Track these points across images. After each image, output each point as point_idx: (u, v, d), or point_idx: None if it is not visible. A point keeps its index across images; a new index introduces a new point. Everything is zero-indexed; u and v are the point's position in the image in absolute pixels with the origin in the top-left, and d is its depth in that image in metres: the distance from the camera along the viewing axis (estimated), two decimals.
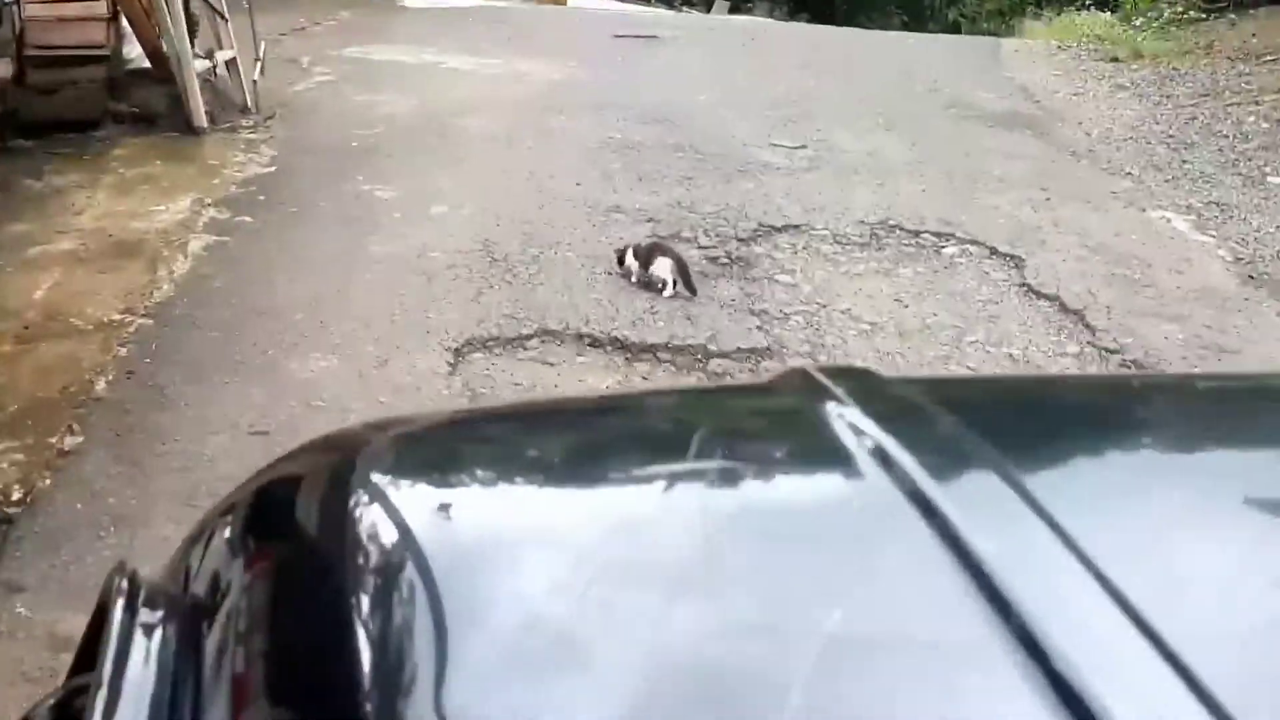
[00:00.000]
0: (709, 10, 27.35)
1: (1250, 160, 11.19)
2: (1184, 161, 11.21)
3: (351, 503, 1.60)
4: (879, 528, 1.49)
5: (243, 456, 5.99)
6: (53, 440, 6.27)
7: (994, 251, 8.90)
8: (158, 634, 1.51)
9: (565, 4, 23.32)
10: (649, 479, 1.81)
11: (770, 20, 21.57)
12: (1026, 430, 1.96)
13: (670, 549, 1.49)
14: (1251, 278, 8.79)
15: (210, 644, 1.52)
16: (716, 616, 1.36)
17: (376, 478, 1.71)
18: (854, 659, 1.26)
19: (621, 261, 8.09)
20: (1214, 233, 9.56)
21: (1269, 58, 13.92)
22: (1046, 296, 8.25)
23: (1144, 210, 9.95)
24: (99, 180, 9.51)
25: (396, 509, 1.61)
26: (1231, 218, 9.84)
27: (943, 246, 9.01)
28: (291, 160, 10.05)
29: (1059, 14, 19.62)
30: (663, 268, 7.94)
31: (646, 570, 1.45)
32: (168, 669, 1.44)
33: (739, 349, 7.38)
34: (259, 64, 11.34)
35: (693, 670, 1.25)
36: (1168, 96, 13.33)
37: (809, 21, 28.58)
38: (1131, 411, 2.24)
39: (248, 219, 8.89)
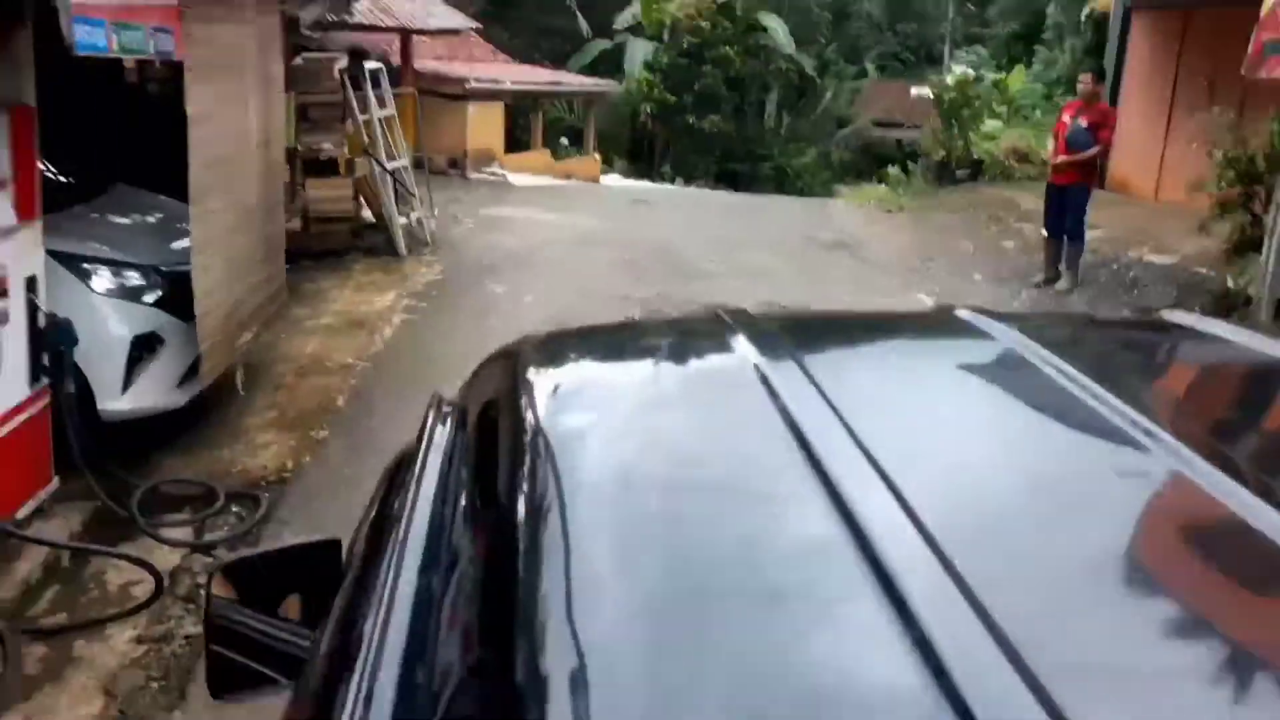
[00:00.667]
0: (673, 183, 26.96)
1: (964, 267, 10.72)
2: (928, 268, 10.72)
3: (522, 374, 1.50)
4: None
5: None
6: (313, 433, 5.82)
7: None
8: (447, 426, 1.51)
9: (599, 181, 22.88)
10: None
11: (705, 190, 21.00)
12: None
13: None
14: None
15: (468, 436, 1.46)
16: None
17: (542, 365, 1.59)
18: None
19: None
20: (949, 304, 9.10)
21: (969, 211, 13.45)
22: None
23: (909, 294, 9.48)
24: (345, 284, 9.03)
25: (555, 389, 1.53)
26: (955, 297, 9.34)
27: None
28: (451, 273, 9.56)
29: (859, 188, 18.97)
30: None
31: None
32: (450, 447, 1.42)
33: None
34: (433, 219, 10.87)
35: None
36: (917, 233, 12.85)
37: (728, 188, 28.47)
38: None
39: (425, 305, 8.41)
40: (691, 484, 1.10)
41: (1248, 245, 8.17)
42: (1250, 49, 7.24)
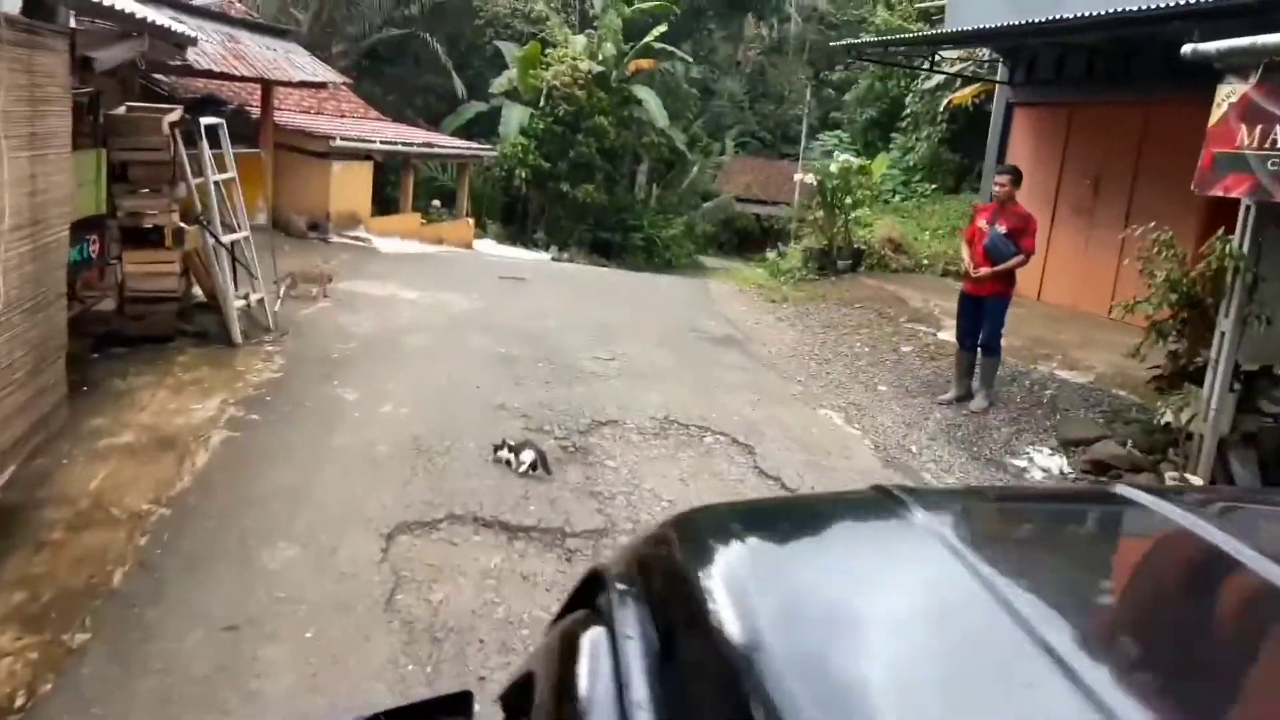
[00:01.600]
0: (546, 249, 25.44)
1: (865, 373, 9.45)
2: (827, 373, 9.40)
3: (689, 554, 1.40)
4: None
5: (213, 654, 3.86)
6: (67, 636, 3.94)
7: (735, 441, 6.98)
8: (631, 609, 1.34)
9: (471, 246, 21.13)
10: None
11: (579, 267, 19.32)
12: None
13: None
14: (887, 462, 7.00)
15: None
16: None
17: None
18: None
19: (497, 450, 6.04)
20: (858, 426, 7.75)
21: (857, 305, 12.31)
22: (773, 478, 6.35)
23: (815, 409, 8.11)
24: (163, 381, 7.08)
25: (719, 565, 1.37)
26: (864, 415, 8.05)
27: (703, 437, 7.05)
28: (292, 368, 7.68)
29: (734, 270, 17.69)
30: (526, 457, 5.92)
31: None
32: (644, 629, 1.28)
33: (586, 530, 5.30)
34: (279, 299, 8.99)
35: None
36: (807, 326, 11.57)
37: (600, 258, 27.17)
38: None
39: (255, 417, 6.51)
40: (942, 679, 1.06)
41: (1182, 375, 7.12)
42: (1200, 162, 6.19)
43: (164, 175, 7.72)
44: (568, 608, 1.53)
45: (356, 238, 15.60)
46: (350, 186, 16.19)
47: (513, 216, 28.68)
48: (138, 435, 6.04)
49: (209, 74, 12.94)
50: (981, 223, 8.17)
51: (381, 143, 16.81)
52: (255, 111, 15.52)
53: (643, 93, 27.58)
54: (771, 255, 16.81)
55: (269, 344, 8.25)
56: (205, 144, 7.79)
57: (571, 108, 25.87)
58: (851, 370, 9.51)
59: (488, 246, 22.57)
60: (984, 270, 7.98)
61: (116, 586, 4.32)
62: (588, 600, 1.47)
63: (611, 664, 1.18)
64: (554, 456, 6.25)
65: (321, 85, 16.20)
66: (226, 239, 8.05)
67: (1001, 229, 7.93)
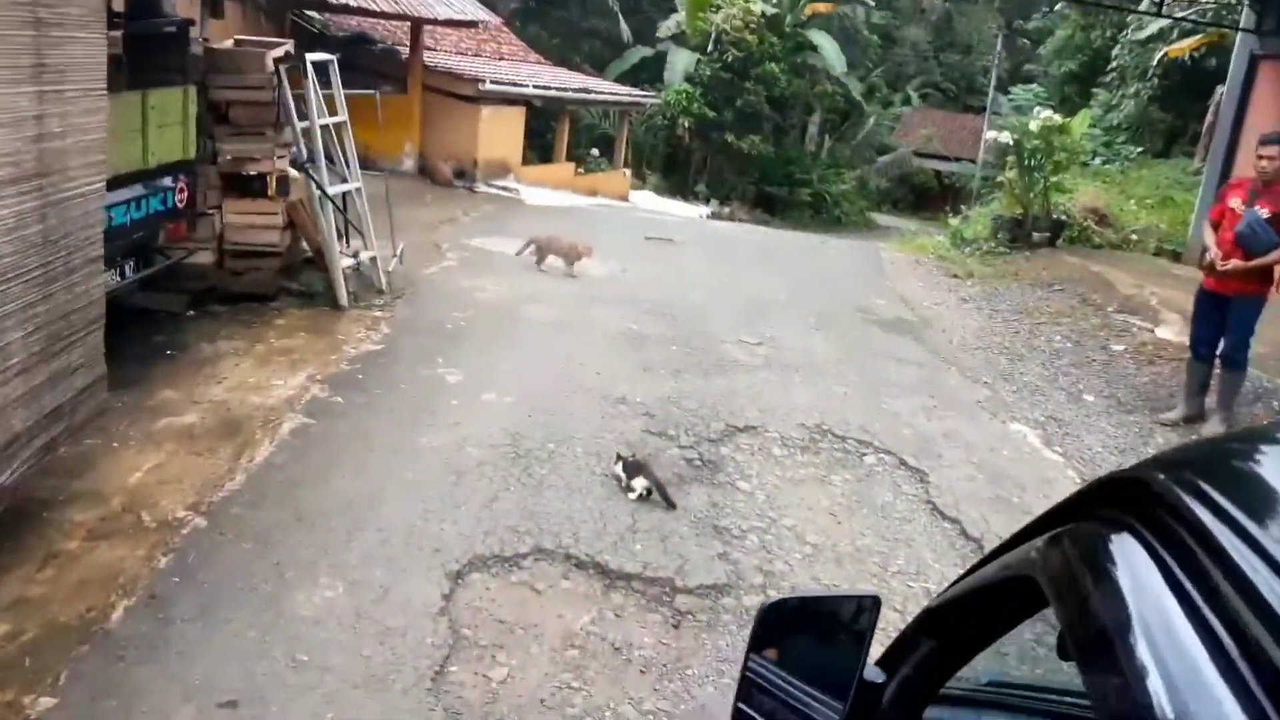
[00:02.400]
0: (707, 203, 24.21)
1: (1066, 376, 7.88)
2: (1020, 374, 7.87)
3: None
4: None
5: None
6: (28, 700, 3.12)
7: (903, 463, 5.68)
8: None
9: (628, 199, 20.11)
10: None
11: (737, 225, 17.91)
12: None
13: None
14: None
15: None
16: None
17: None
18: None
19: (616, 463, 4.95)
20: (1059, 449, 6.26)
21: (1055, 287, 10.59)
22: (950, 519, 5.04)
23: (1005, 423, 6.67)
24: (252, 348, 6.36)
25: None
26: (1068, 434, 6.55)
27: (864, 454, 5.79)
28: (396, 340, 6.83)
29: (910, 238, 15.93)
30: (639, 484, 4.82)
31: None
32: None
33: (702, 585, 4.17)
34: (394, 258, 8.15)
35: None
36: (996, 310, 9.98)
37: (764, 214, 25.71)
38: None
39: (339, 400, 5.65)
40: None
41: None
42: None
43: (267, 117, 6.95)
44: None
45: (504, 188, 14.80)
46: (500, 133, 15.38)
47: (674, 167, 27.57)
48: (204, 416, 5.28)
49: (352, 9, 12.24)
50: (1234, 203, 6.48)
51: (535, 87, 15.90)
52: (406, 51, 14.85)
53: (818, 38, 25.80)
54: (955, 221, 15.01)
55: (378, 308, 7.43)
56: (313, 83, 6.95)
57: (740, 53, 24.39)
58: (1050, 372, 7.95)
59: (645, 199, 21.51)
60: (1233, 263, 6.31)
61: (112, 627, 3.48)
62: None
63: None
64: (675, 472, 5.16)
65: (471, 24, 15.40)
66: (334, 190, 7.23)
67: (1263, 212, 6.23)
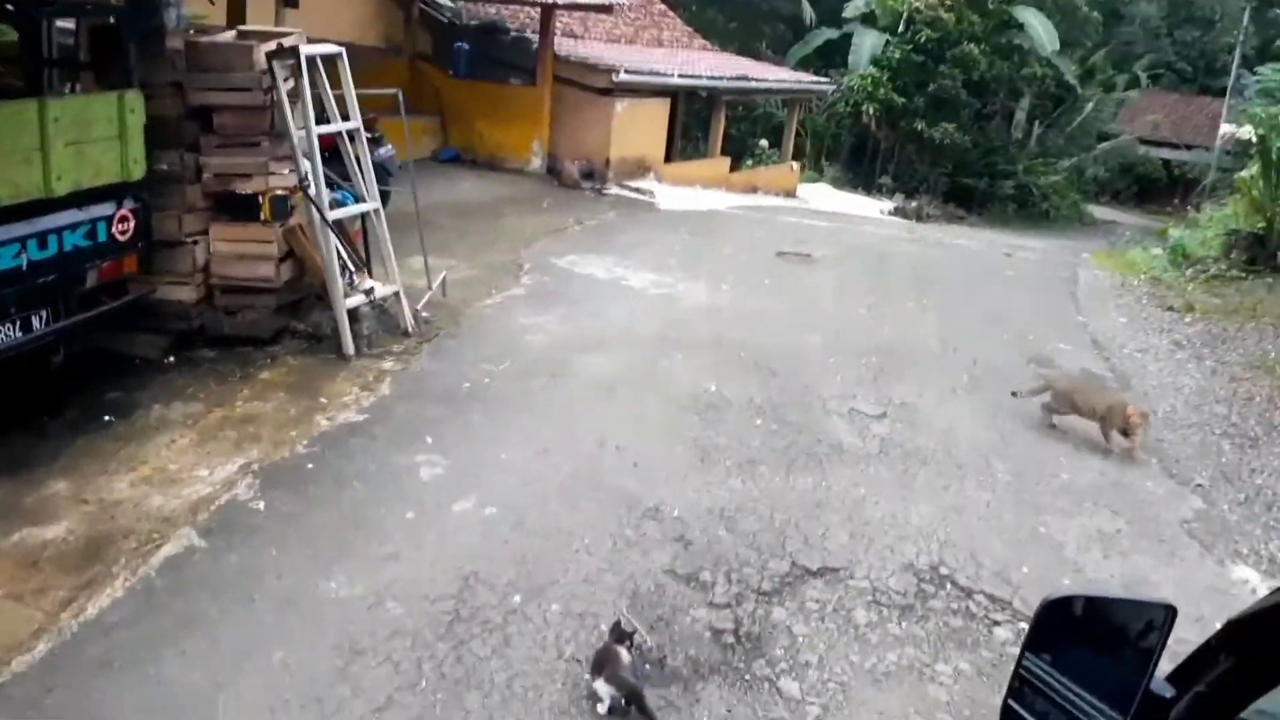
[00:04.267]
0: (892, 196, 21.80)
1: None
2: (1252, 472, 5.57)
3: None
4: None
5: None
6: None
7: None
8: None
9: (795, 194, 18.10)
10: None
11: (908, 230, 15.33)
12: None
13: None
14: None
15: None
16: None
17: None
18: None
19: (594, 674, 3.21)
20: None
21: None
22: None
23: (1222, 563, 4.52)
24: (206, 416, 5.06)
25: None
26: None
27: (995, 623, 3.86)
28: (392, 407, 5.33)
29: (1118, 252, 13.08)
30: (604, 690, 3.11)
31: None
32: None
33: None
34: (428, 295, 6.73)
35: None
36: (1223, 363, 7.53)
37: (957, 209, 22.96)
38: None
39: (260, 506, 4.20)
40: None
41: None
42: None
43: (259, 124, 5.65)
44: None
45: (639, 189, 13.20)
46: (638, 128, 13.78)
47: (858, 159, 25.17)
48: (76, 527, 3.97)
49: None
50: None
51: (681, 76, 14.18)
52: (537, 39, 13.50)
53: (1026, 15, 22.75)
54: (1176, 231, 12.22)
55: (393, 357, 6.00)
56: (308, 82, 5.57)
57: (935, 34, 21.81)
58: None
59: (819, 193, 19.43)
60: None
61: None
62: None
63: None
64: (690, 653, 3.45)
65: (604, 8, 13.86)
66: (337, 214, 5.84)
67: None
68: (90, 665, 3.18)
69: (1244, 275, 9.70)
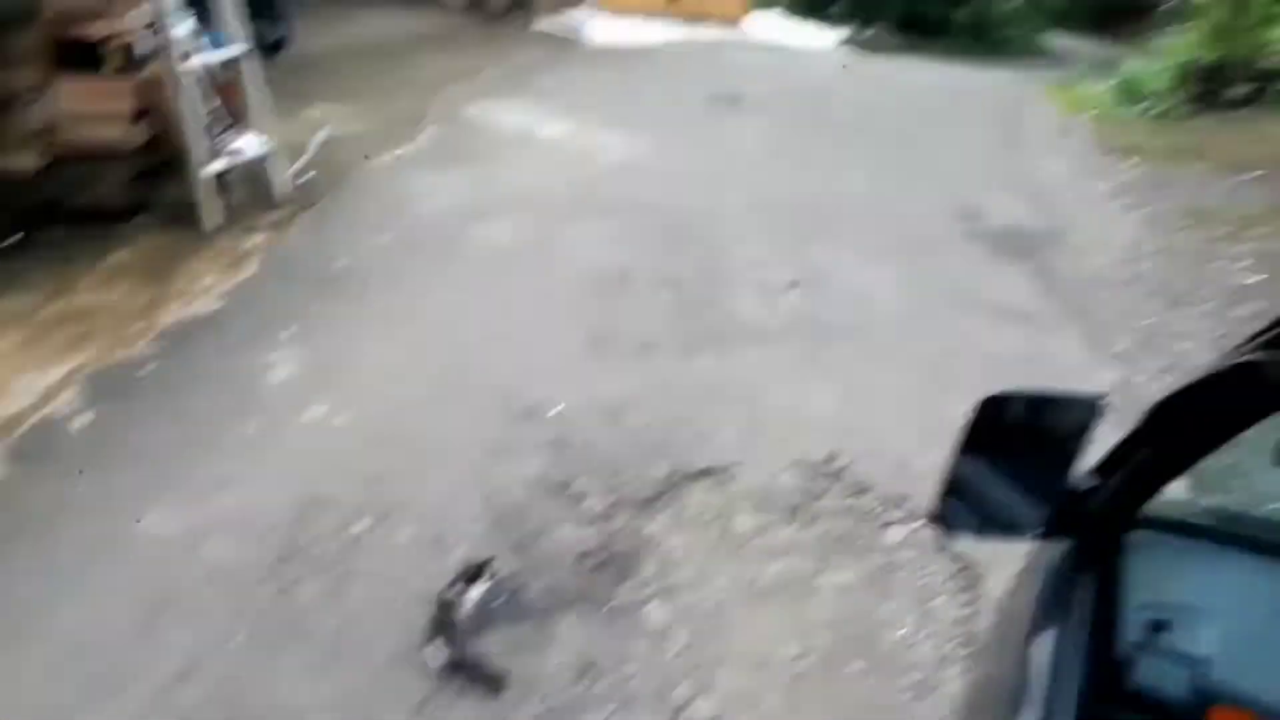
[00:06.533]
0: (845, 27, 20.58)
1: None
2: (1175, 334, 5.17)
3: None
4: None
5: None
6: None
7: (946, 545, 3.38)
8: None
9: (739, 25, 16.93)
10: None
11: (858, 62, 14.40)
12: None
13: None
14: None
15: None
16: None
17: None
18: None
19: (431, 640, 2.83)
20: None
21: (1253, 174, 7.52)
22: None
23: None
24: (42, 309, 4.48)
25: None
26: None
27: (888, 523, 3.51)
28: (255, 291, 4.76)
29: (1070, 87, 12.26)
30: (432, 653, 2.75)
31: None
32: None
33: None
34: (306, 155, 6.01)
35: None
36: (1161, 214, 7.03)
37: (915, 39, 21.80)
38: None
39: (84, 422, 3.68)
40: None
41: None
42: None
43: None
44: None
45: (570, 24, 12.14)
46: None
47: None
48: None
49: None
50: None
51: None
52: None
53: None
54: (1130, 65, 11.45)
55: (261, 230, 5.36)
56: None
57: None
58: (1221, 329, 5.24)
59: (764, 26, 18.19)
60: None
61: None
62: None
63: None
64: (551, 580, 3.08)
65: None
66: (192, 63, 5.05)
67: None
68: None
69: (1194, 112, 9.09)
